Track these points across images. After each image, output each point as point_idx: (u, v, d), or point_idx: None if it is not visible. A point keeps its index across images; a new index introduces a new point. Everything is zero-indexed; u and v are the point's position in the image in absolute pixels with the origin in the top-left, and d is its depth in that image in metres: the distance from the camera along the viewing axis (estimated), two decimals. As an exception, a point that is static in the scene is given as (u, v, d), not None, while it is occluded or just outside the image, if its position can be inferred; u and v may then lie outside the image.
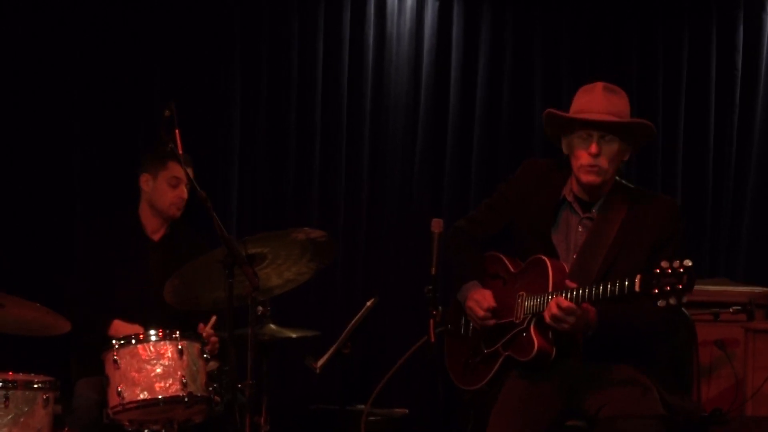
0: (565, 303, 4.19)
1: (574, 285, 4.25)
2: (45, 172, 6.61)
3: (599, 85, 4.47)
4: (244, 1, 6.95)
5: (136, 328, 5.30)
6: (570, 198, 4.54)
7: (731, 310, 6.11)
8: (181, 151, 4.60)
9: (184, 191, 5.62)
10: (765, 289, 6.53)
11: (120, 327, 5.41)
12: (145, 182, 5.67)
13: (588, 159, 4.40)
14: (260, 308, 5.26)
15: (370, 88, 7.14)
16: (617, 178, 4.55)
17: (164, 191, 5.62)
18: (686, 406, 4.46)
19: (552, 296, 4.29)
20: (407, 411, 6.86)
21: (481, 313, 4.51)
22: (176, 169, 5.55)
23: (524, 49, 7.29)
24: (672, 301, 3.97)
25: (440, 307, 4.52)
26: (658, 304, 3.99)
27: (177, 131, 4.59)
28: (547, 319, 4.25)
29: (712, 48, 7.41)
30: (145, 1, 6.76)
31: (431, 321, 4.41)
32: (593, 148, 4.38)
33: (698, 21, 7.41)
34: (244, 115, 6.94)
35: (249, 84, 6.96)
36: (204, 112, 6.83)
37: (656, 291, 3.98)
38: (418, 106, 7.20)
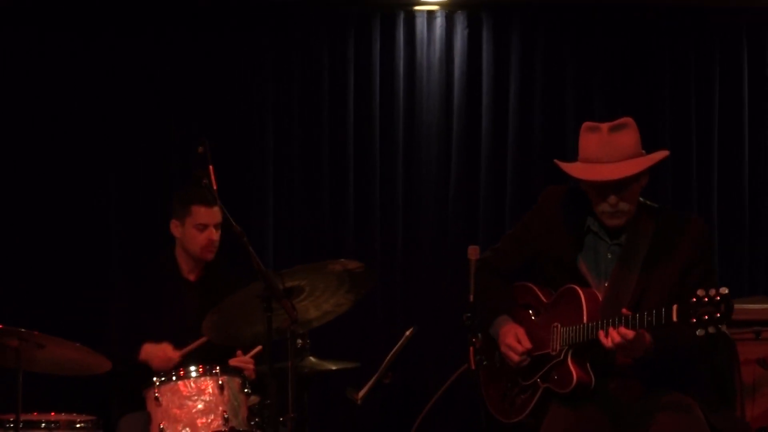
0: (631, 333, 4.13)
1: (628, 312, 4.18)
2: (82, 213, 6.70)
3: (604, 128, 4.40)
4: (276, 36, 7.00)
5: (164, 346, 5.33)
6: (595, 228, 4.50)
7: (772, 328, 6.07)
8: (216, 187, 4.62)
9: (213, 233, 5.56)
10: (805, 305, 6.49)
11: (149, 348, 5.38)
12: (175, 228, 5.62)
13: (608, 207, 4.37)
14: (300, 341, 5.26)
15: (401, 117, 7.14)
16: (641, 199, 4.50)
17: (194, 236, 5.56)
18: (732, 425, 4.42)
19: (592, 326, 4.26)
20: (450, 440, 6.83)
21: (517, 358, 4.46)
22: (200, 214, 5.52)
23: (555, 74, 7.27)
24: (711, 329, 3.98)
25: (480, 334, 4.49)
26: (697, 333, 3.99)
27: (211, 167, 4.61)
28: (611, 346, 4.19)
29: (743, 63, 7.37)
30: (181, 42, 6.87)
31: (471, 348, 4.38)
32: (612, 200, 4.35)
33: (729, 38, 7.37)
34: (277, 149, 6.98)
35: (281, 118, 7.00)
36: (238, 147, 6.88)
37: (694, 320, 4.00)
38: (450, 134, 7.19)
